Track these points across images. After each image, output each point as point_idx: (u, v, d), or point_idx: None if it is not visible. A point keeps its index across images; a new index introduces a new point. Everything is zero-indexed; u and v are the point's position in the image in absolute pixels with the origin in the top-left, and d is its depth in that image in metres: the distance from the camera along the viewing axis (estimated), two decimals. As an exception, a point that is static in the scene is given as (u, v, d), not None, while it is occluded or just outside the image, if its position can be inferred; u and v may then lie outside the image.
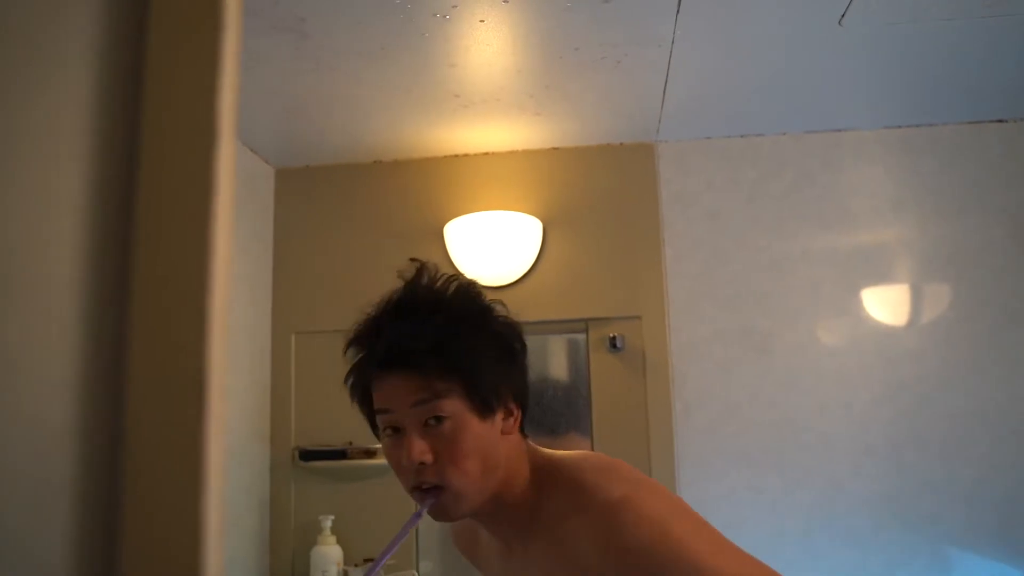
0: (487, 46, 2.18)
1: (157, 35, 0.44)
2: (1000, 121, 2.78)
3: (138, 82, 0.44)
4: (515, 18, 2.03)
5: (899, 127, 2.82)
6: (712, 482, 2.65)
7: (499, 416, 1.05)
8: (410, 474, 1.02)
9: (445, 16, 2.00)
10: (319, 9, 1.96)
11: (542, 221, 2.84)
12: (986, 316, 2.69)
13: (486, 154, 2.95)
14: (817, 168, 2.84)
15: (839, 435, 2.68)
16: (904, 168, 2.81)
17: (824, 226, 2.81)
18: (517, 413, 1.08)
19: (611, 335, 2.77)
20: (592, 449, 2.71)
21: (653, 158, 2.90)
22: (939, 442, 2.64)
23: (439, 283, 1.07)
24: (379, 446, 2.68)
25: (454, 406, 1.01)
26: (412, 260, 1.10)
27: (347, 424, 2.82)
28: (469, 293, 1.08)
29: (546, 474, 1.08)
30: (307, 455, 2.79)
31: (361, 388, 1.08)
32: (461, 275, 1.10)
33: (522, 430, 1.12)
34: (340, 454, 2.77)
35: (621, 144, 2.91)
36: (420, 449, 1.00)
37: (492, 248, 2.71)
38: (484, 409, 1.03)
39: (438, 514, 1.04)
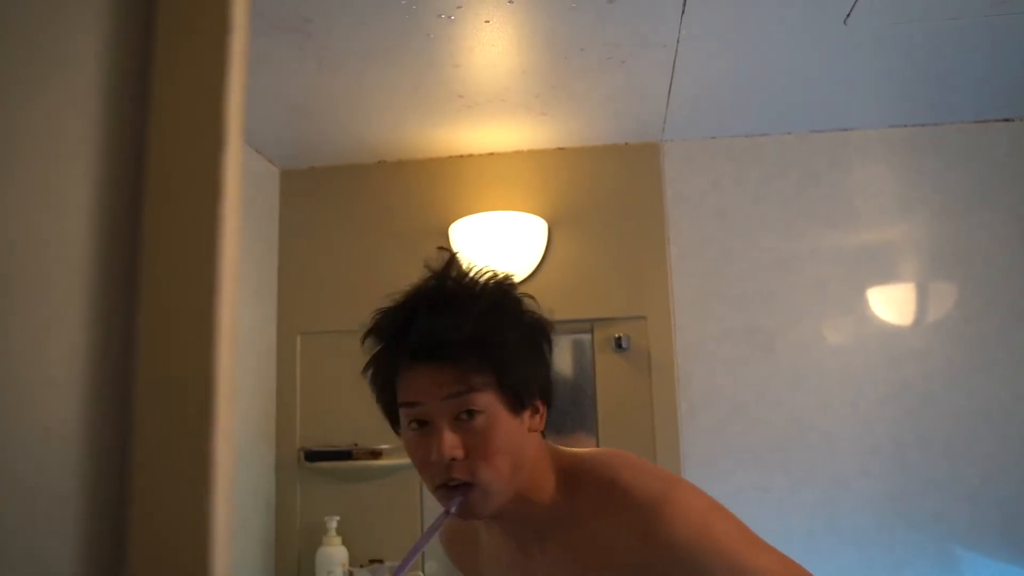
0: (492, 47, 2.18)
1: (164, 36, 0.44)
2: (1006, 120, 2.78)
3: (145, 83, 0.44)
4: (520, 18, 2.03)
5: (905, 126, 2.82)
6: (718, 481, 2.64)
7: (527, 413, 1.03)
8: (438, 470, 0.98)
9: (450, 17, 2.00)
10: (323, 10, 1.96)
11: (547, 221, 2.84)
12: (992, 315, 2.69)
13: (491, 154, 2.95)
14: (823, 167, 2.84)
15: (844, 434, 2.68)
16: (910, 167, 2.80)
17: (830, 225, 2.80)
18: (543, 410, 1.06)
19: (616, 335, 2.77)
20: (597, 449, 2.70)
21: (658, 158, 2.90)
22: (944, 441, 2.64)
23: (473, 274, 1.05)
24: (385, 447, 2.73)
25: (487, 400, 0.98)
26: (441, 249, 1.08)
27: (352, 425, 2.84)
28: (504, 286, 1.05)
29: (572, 472, 1.06)
30: (312, 456, 2.79)
31: (383, 379, 1.05)
32: (494, 267, 1.07)
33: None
34: (345, 455, 2.77)
35: (626, 144, 2.91)
36: (451, 444, 0.96)
37: (497, 248, 2.71)
38: (516, 404, 1.01)
39: (464, 512, 0.99)
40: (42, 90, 0.42)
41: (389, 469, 2.78)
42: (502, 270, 1.06)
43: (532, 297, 1.07)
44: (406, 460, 2.92)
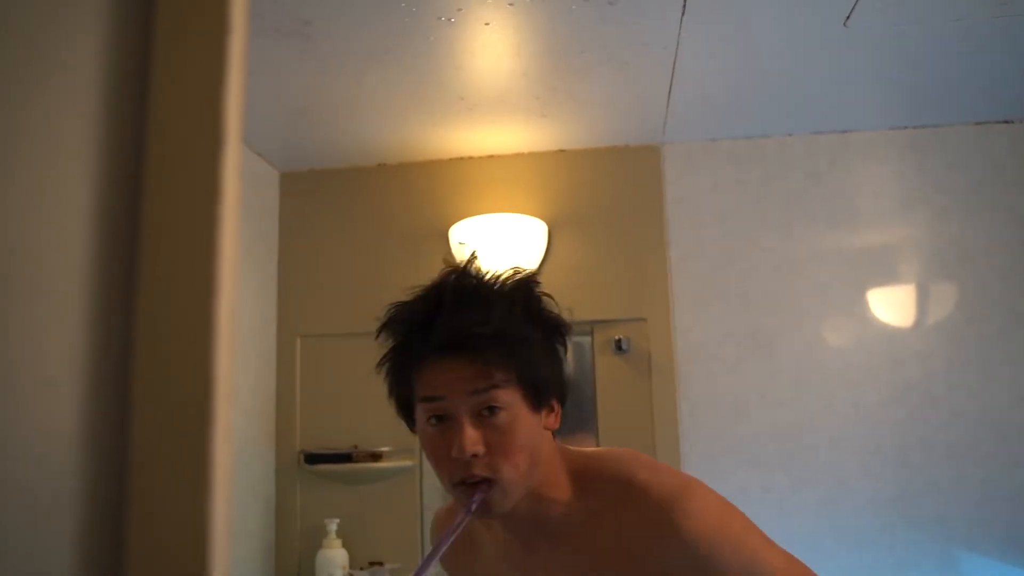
0: (492, 49, 2.18)
1: (163, 37, 0.44)
2: (1007, 122, 2.78)
3: (144, 84, 0.44)
4: (520, 21, 2.04)
5: (905, 128, 2.82)
6: (719, 482, 2.60)
7: (544, 411, 1.03)
8: (457, 466, 0.97)
9: (450, 19, 2.00)
10: (324, 12, 1.96)
11: (547, 223, 2.84)
12: (993, 317, 2.68)
13: (491, 156, 2.95)
14: (823, 169, 2.84)
15: (846, 436, 2.68)
16: (911, 169, 2.81)
17: (830, 227, 2.80)
18: (558, 409, 1.06)
19: (616, 337, 2.77)
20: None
21: (659, 160, 2.90)
22: (946, 443, 2.63)
23: (497, 272, 1.04)
24: (385, 449, 2.73)
25: (509, 397, 0.98)
26: (460, 244, 1.08)
27: (352, 427, 2.84)
28: (528, 284, 1.05)
29: (585, 471, 1.06)
30: (312, 458, 2.79)
31: (403, 373, 1.03)
32: (519, 265, 1.07)
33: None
34: (345, 457, 2.77)
35: (626, 146, 2.91)
36: (474, 440, 0.95)
37: (497, 250, 2.71)
38: (536, 402, 1.01)
39: (483, 510, 0.98)
40: (41, 91, 0.42)
41: (389, 471, 2.78)
42: (526, 269, 1.07)
43: (551, 297, 1.07)
44: (406, 462, 2.92)
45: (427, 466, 2.81)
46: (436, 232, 2.89)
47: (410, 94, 2.43)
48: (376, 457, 2.75)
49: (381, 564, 2.69)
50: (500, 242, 2.71)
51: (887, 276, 2.76)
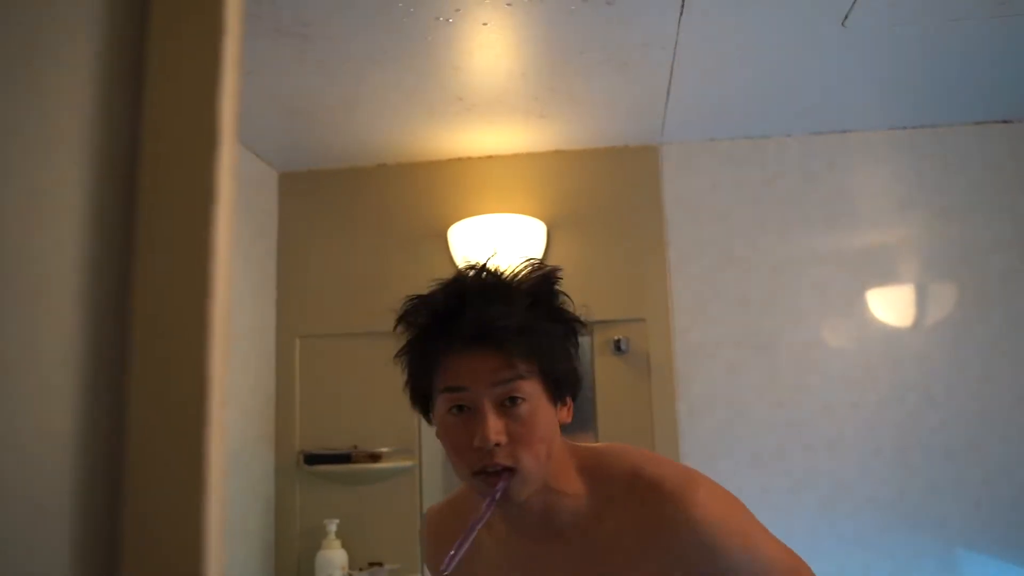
0: (490, 49, 2.18)
1: (158, 39, 0.44)
2: (1005, 122, 2.78)
3: (139, 86, 0.44)
4: (518, 21, 2.03)
5: (904, 128, 2.82)
6: (718, 482, 2.63)
7: (559, 404, 1.06)
8: (478, 456, 0.98)
9: (448, 20, 2.00)
10: (322, 13, 1.96)
11: (546, 224, 2.84)
12: (993, 317, 2.69)
13: (490, 157, 2.95)
14: (822, 169, 2.84)
15: (845, 436, 2.68)
16: (909, 169, 2.81)
17: (830, 228, 2.80)
18: (570, 404, 1.09)
19: (615, 338, 2.77)
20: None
21: (657, 160, 2.90)
22: (946, 443, 2.63)
23: (520, 267, 1.07)
24: (384, 450, 2.73)
25: (532, 388, 1.00)
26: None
27: (352, 428, 2.84)
28: (550, 280, 1.07)
29: (592, 465, 1.09)
30: (312, 459, 2.79)
31: (425, 363, 1.04)
32: (541, 262, 1.09)
33: None
34: (345, 458, 2.77)
35: (625, 146, 2.91)
36: (497, 429, 0.97)
37: (486, 251, 2.71)
38: (555, 395, 1.04)
39: (502, 499, 0.99)
40: (36, 91, 0.42)
41: (388, 472, 2.78)
42: (548, 265, 1.09)
43: (567, 295, 1.09)
44: (405, 463, 2.92)
45: (426, 467, 2.81)
46: (435, 232, 2.89)
47: (409, 94, 2.43)
48: (375, 458, 2.75)
49: (380, 565, 2.69)
50: (499, 242, 2.71)
51: (886, 276, 2.76)
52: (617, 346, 2.77)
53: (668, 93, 2.49)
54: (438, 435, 1.06)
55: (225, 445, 0.44)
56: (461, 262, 2.70)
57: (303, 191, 3.03)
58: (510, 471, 0.98)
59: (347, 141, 2.80)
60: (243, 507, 2.64)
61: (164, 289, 0.43)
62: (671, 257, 2.83)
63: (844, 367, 2.72)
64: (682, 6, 1.97)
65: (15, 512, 0.39)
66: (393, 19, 1.99)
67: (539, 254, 2.81)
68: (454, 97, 2.46)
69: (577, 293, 1.10)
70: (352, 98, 2.46)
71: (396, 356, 1.08)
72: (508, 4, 1.94)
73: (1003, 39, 2.21)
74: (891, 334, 2.73)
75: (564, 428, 1.08)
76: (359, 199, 3.00)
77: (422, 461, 2.82)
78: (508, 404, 0.99)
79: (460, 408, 1.01)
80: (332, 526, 2.68)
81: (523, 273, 1.06)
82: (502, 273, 1.05)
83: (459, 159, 2.96)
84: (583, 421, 2.77)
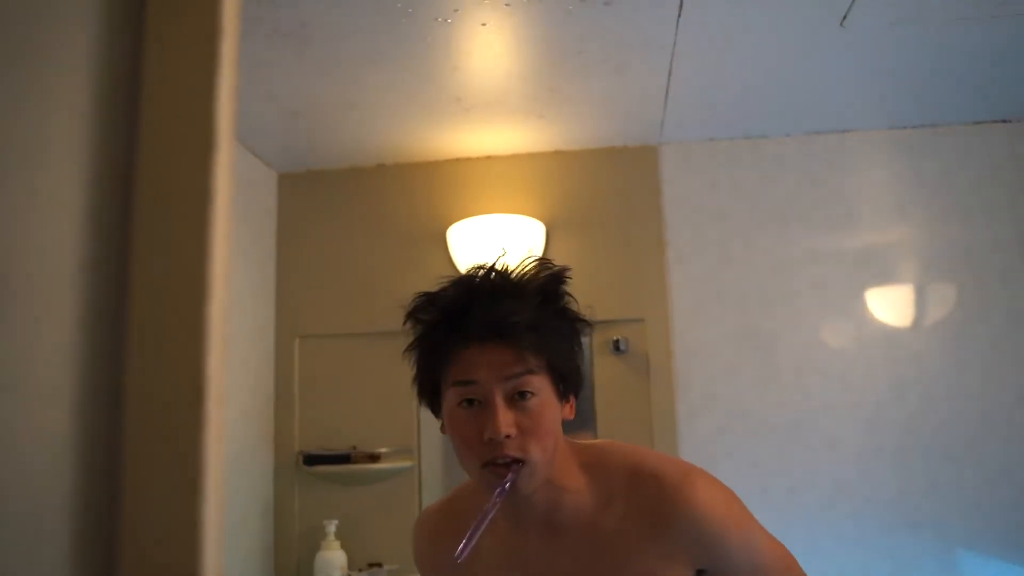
0: (489, 50, 2.18)
1: (154, 40, 0.44)
2: (1004, 121, 2.78)
3: (136, 87, 0.44)
4: (517, 21, 2.04)
5: (902, 128, 2.82)
6: (717, 485, 2.63)
7: (564, 401, 1.09)
8: (488, 448, 1.01)
9: (447, 20, 2.00)
10: (321, 14, 1.96)
11: (545, 224, 2.84)
12: (992, 317, 2.69)
13: (489, 157, 2.95)
14: (821, 169, 2.84)
15: (845, 437, 2.68)
16: (908, 169, 2.81)
17: (829, 227, 2.80)
18: (573, 401, 1.11)
19: (614, 338, 2.77)
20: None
21: (656, 160, 2.90)
22: (945, 443, 2.63)
23: (529, 266, 1.09)
24: (383, 450, 2.73)
25: (541, 383, 1.03)
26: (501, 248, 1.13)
27: (351, 428, 2.84)
28: (559, 279, 1.09)
29: (593, 460, 1.11)
30: (311, 459, 2.79)
31: (436, 358, 1.06)
32: (549, 261, 1.11)
33: None
34: (344, 458, 2.77)
35: (624, 147, 2.91)
36: (508, 422, 1.00)
37: (493, 251, 2.71)
38: (562, 390, 1.07)
39: (510, 490, 1.02)
40: (33, 93, 0.42)
41: (388, 473, 2.78)
42: (556, 264, 1.11)
43: (573, 297, 1.12)
44: (405, 463, 2.92)
45: (426, 467, 2.81)
46: (434, 233, 2.89)
47: (407, 95, 2.43)
48: (375, 458, 2.75)
49: (380, 565, 2.69)
50: (498, 243, 2.71)
51: (885, 276, 2.76)
52: (616, 346, 2.77)
53: (667, 93, 2.49)
54: (443, 430, 1.09)
55: (223, 445, 0.44)
56: (461, 262, 2.72)
57: (302, 191, 3.03)
58: (519, 463, 1.01)
59: (346, 142, 2.80)
60: (242, 508, 2.63)
61: (161, 289, 0.43)
62: (670, 257, 2.83)
63: (844, 367, 2.72)
64: (680, 6, 1.97)
65: (12, 513, 0.39)
66: (392, 20, 1.99)
67: (538, 254, 2.80)
68: (453, 97, 2.46)
69: (576, 293, 1.11)
70: (351, 99, 2.46)
71: (406, 351, 1.10)
72: (507, 5, 1.94)
73: (1002, 39, 2.21)
74: (891, 334, 2.73)
75: (564, 427, 1.10)
76: (358, 199, 3.00)
77: (421, 461, 2.82)
78: (517, 398, 1.02)
79: (470, 402, 1.03)
80: (331, 527, 2.68)
81: (532, 271, 1.08)
82: (512, 271, 1.08)
83: (458, 159, 2.96)
84: (582, 421, 2.77)
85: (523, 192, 2.91)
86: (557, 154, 2.93)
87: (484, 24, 2.04)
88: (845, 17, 2.04)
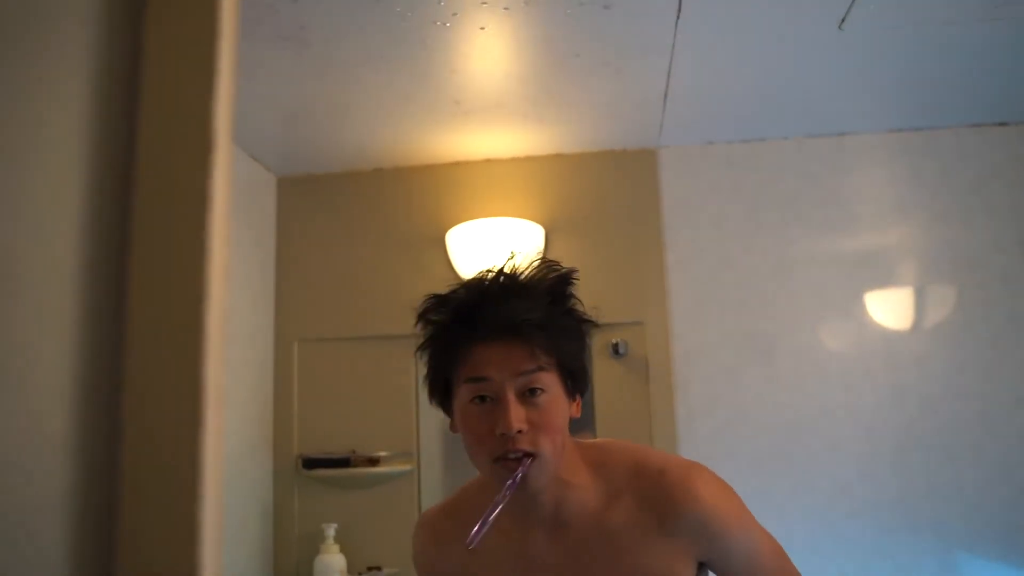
0: (488, 53, 2.19)
1: (153, 43, 0.44)
2: (1002, 124, 2.78)
3: (135, 90, 0.44)
4: (516, 25, 2.04)
5: (901, 131, 2.82)
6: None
7: (571, 400, 1.12)
8: (499, 443, 1.03)
9: (445, 24, 2.01)
10: (320, 17, 1.96)
11: (544, 227, 2.84)
12: (990, 319, 2.68)
13: (487, 160, 2.95)
14: (819, 172, 2.84)
15: (844, 439, 2.67)
16: (907, 171, 2.81)
17: (827, 230, 2.81)
18: (579, 400, 1.14)
19: (614, 341, 2.77)
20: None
21: (655, 163, 2.90)
22: (945, 446, 2.63)
23: (538, 267, 1.12)
24: (383, 454, 2.72)
25: (551, 380, 1.06)
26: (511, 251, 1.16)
27: (350, 432, 2.84)
28: (567, 280, 1.13)
29: (597, 458, 1.14)
30: (310, 463, 2.79)
31: (448, 355, 1.09)
32: (557, 263, 1.14)
33: None
34: (343, 462, 2.76)
35: (623, 150, 2.91)
36: (519, 417, 1.02)
37: (494, 255, 2.71)
38: (571, 388, 1.10)
39: (521, 484, 1.04)
40: (32, 96, 0.42)
41: (387, 476, 2.77)
42: (564, 266, 1.14)
43: (579, 299, 1.15)
44: (404, 467, 2.91)
45: (425, 471, 2.81)
46: (433, 236, 2.89)
47: (406, 98, 2.44)
48: (374, 462, 2.75)
49: (379, 569, 2.68)
50: (497, 246, 2.71)
51: (884, 279, 2.76)
52: (616, 349, 2.76)
53: (665, 96, 2.50)
54: (452, 428, 1.12)
55: (222, 448, 0.43)
56: (460, 266, 2.72)
57: (301, 195, 3.03)
58: (530, 457, 1.03)
59: (345, 145, 2.80)
60: (241, 512, 2.63)
61: (160, 292, 0.43)
62: (669, 260, 2.83)
63: (843, 370, 2.72)
64: (679, 9, 1.98)
65: (11, 515, 0.39)
66: (391, 23, 1.99)
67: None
68: (451, 101, 2.46)
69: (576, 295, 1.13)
70: (350, 102, 2.46)
71: (417, 350, 1.12)
72: (505, 8, 1.95)
73: (1000, 42, 2.22)
74: (890, 336, 2.73)
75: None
76: (357, 203, 3.00)
77: (420, 465, 2.81)
78: (528, 395, 1.04)
79: (482, 399, 1.05)
80: (330, 530, 2.67)
81: (541, 273, 1.11)
82: (521, 273, 1.11)
83: (457, 163, 2.96)
84: (583, 423, 2.76)
85: (522, 195, 2.91)
86: (556, 157, 2.93)
87: (483, 28, 2.04)
88: (843, 20, 2.05)
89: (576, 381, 1.11)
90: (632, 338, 2.78)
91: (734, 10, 2.01)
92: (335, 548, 2.67)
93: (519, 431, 1.02)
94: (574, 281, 1.14)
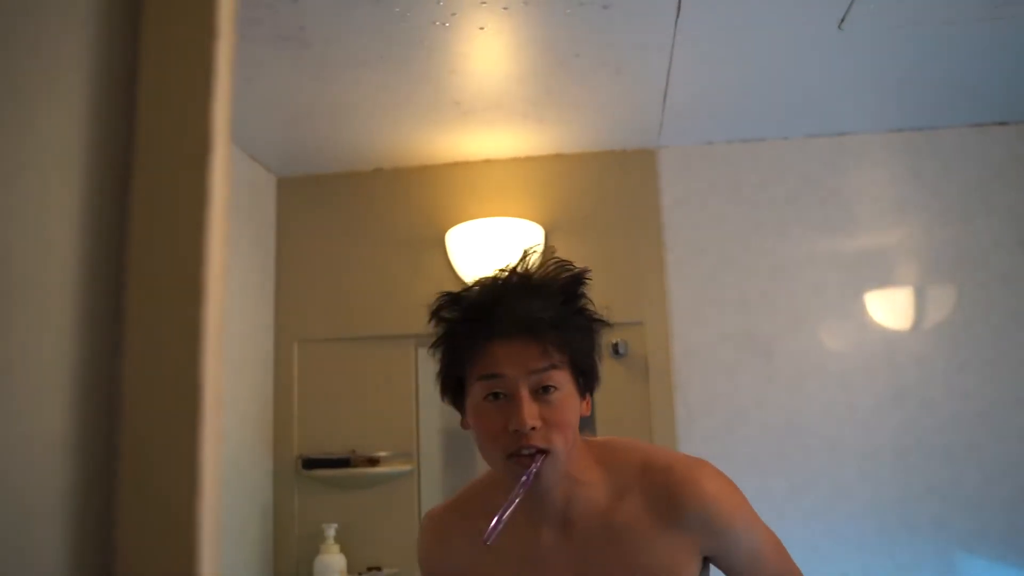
0: (487, 53, 2.19)
1: (150, 43, 0.44)
2: (1002, 124, 2.78)
3: (132, 91, 0.44)
4: (515, 25, 2.04)
5: (901, 130, 2.82)
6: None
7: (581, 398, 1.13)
8: (512, 439, 1.04)
9: (445, 24, 2.01)
10: (319, 18, 1.96)
11: (544, 227, 2.84)
12: (991, 319, 2.68)
13: (487, 161, 2.95)
14: (819, 172, 2.84)
15: (844, 439, 2.67)
16: (907, 171, 2.81)
17: (827, 230, 2.81)
18: (589, 399, 1.15)
19: (613, 341, 2.77)
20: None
21: (654, 164, 2.90)
22: (944, 445, 2.63)
23: (552, 266, 1.14)
24: (382, 454, 2.72)
25: (563, 378, 1.07)
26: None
27: (350, 432, 2.84)
28: (580, 280, 1.14)
29: (604, 455, 1.16)
30: (310, 463, 2.79)
31: (462, 352, 1.10)
32: (570, 263, 1.15)
33: None
34: (343, 462, 2.76)
35: (623, 150, 2.91)
36: (533, 413, 1.04)
37: (494, 255, 2.71)
38: (582, 387, 1.12)
39: (535, 479, 1.06)
40: (29, 96, 0.42)
41: (387, 476, 2.77)
42: (576, 266, 1.15)
43: (590, 299, 1.16)
44: (404, 467, 2.91)
45: (425, 471, 2.81)
46: (433, 237, 2.89)
47: (405, 99, 2.44)
48: (374, 462, 2.75)
49: (379, 569, 2.68)
50: (497, 246, 2.71)
51: (884, 279, 2.76)
52: (615, 349, 2.76)
53: (665, 96, 2.50)
54: (464, 426, 1.13)
55: (221, 448, 0.43)
56: (460, 266, 2.72)
57: (301, 196, 3.03)
58: (543, 453, 1.05)
59: (345, 146, 2.80)
60: (241, 512, 2.63)
61: (158, 292, 0.43)
62: (669, 260, 2.83)
63: (842, 369, 2.72)
64: (678, 9, 1.98)
65: (8, 515, 0.39)
66: (390, 24, 1.99)
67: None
68: (451, 101, 2.46)
69: (575, 295, 1.13)
70: (349, 102, 2.46)
71: (430, 348, 1.13)
72: (504, 8, 1.95)
73: (1000, 41, 2.22)
74: (889, 336, 2.73)
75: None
76: (357, 204, 3.00)
77: (420, 465, 2.81)
78: (542, 392, 1.06)
79: (496, 396, 1.07)
80: (331, 531, 2.67)
81: (554, 272, 1.13)
82: (534, 272, 1.13)
83: (456, 163, 2.96)
84: (582, 423, 2.76)
85: (522, 195, 2.91)
86: (555, 157, 2.93)
87: (482, 28, 2.04)
88: (843, 20, 2.05)
89: (587, 379, 1.13)
90: (632, 338, 2.78)
91: (734, 10, 2.01)
92: (335, 548, 2.67)
93: (532, 428, 1.03)
94: (587, 281, 1.15)
